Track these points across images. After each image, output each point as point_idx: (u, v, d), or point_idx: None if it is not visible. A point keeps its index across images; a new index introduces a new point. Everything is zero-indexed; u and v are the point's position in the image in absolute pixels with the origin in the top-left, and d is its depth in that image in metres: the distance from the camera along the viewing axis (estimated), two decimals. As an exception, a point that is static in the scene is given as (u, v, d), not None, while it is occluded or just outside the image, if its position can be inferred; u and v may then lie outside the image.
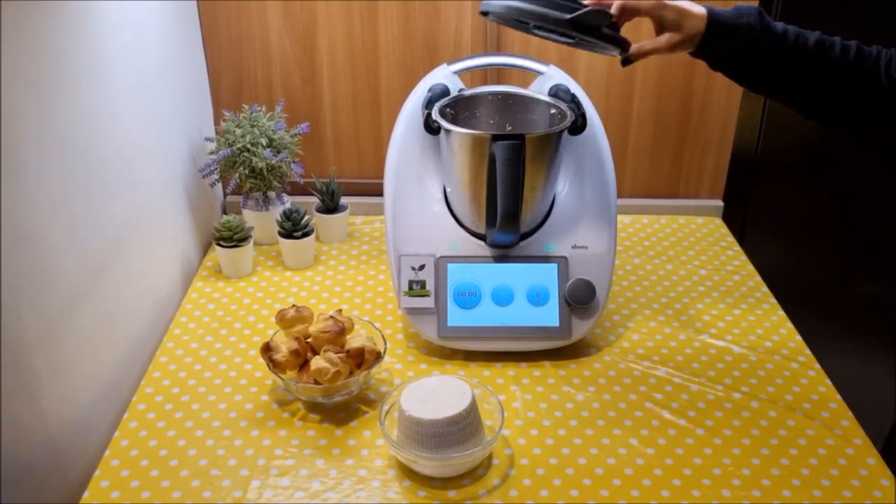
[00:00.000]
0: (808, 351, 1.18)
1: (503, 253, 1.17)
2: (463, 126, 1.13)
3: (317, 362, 1.01)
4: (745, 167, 1.63)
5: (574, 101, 1.17)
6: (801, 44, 0.96)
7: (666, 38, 0.99)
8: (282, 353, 1.04)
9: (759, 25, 0.96)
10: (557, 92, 1.19)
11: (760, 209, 1.68)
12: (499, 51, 1.46)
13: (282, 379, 1.03)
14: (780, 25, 0.97)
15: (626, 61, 1.02)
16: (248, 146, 1.34)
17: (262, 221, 1.43)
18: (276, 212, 1.41)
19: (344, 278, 1.36)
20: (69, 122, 0.95)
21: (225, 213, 1.58)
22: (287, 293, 1.32)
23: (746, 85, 1.03)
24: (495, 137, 1.07)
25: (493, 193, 1.09)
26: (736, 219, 1.61)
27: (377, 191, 1.52)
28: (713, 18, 0.97)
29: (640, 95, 1.50)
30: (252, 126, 1.36)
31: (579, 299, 1.14)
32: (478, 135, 1.09)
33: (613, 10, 0.97)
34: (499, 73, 1.46)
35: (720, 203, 1.59)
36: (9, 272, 0.83)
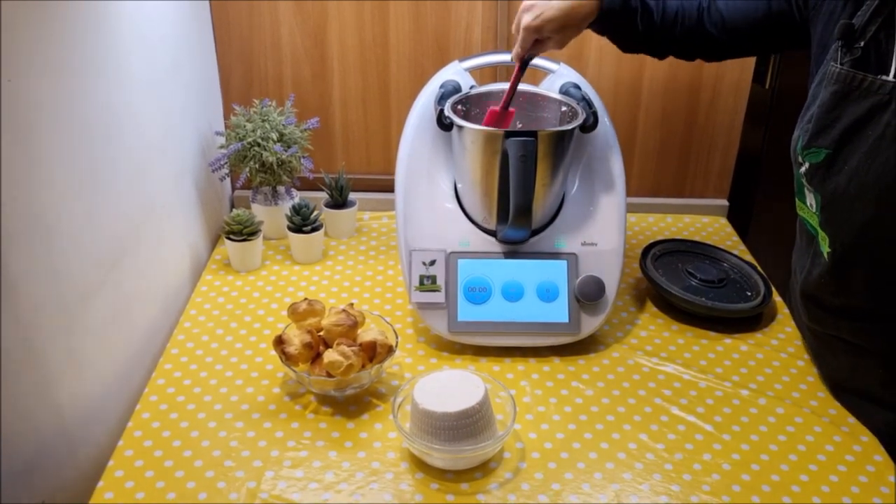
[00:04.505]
0: (814, 349, 1.19)
1: (513, 249, 1.18)
2: (474, 123, 1.14)
3: (330, 355, 1.02)
4: (751, 167, 1.64)
5: (585, 100, 1.18)
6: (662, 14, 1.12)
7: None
8: (294, 346, 1.05)
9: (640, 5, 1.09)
10: (568, 90, 1.20)
11: (765, 209, 1.69)
12: (510, 49, 1.46)
13: (294, 371, 1.04)
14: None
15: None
16: (259, 140, 1.34)
17: (270, 216, 1.43)
18: (285, 206, 1.42)
19: (353, 273, 1.37)
20: (85, 116, 0.96)
21: (233, 207, 1.59)
22: (296, 287, 1.33)
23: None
24: (508, 134, 1.07)
25: (504, 189, 1.10)
26: (741, 218, 1.62)
27: (385, 187, 1.53)
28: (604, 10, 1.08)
29: (648, 95, 1.51)
30: (263, 121, 1.37)
31: (589, 296, 1.15)
32: (491, 131, 1.10)
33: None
34: (509, 71, 1.47)
35: (725, 203, 1.60)
36: (26, 264, 0.83)
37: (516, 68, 1.14)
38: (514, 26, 1.12)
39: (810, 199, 0.99)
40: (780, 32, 1.08)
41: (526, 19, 1.08)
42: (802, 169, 0.98)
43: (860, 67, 0.90)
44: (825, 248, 0.98)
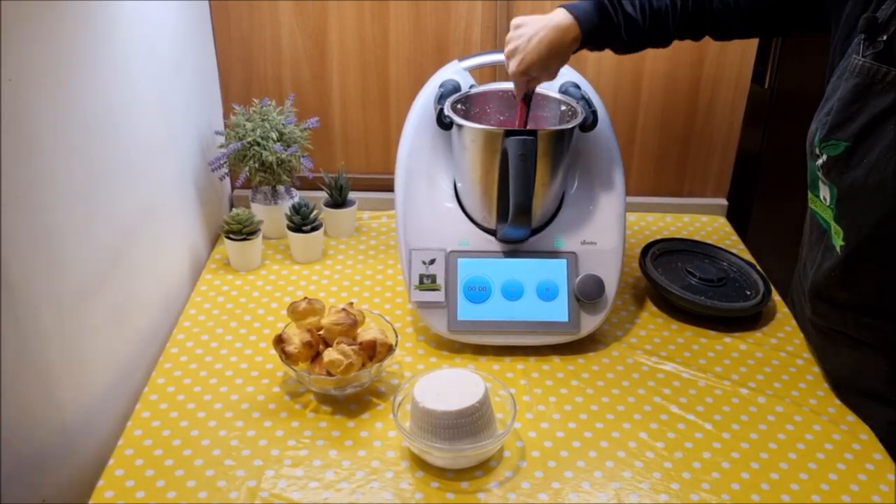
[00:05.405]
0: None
1: (513, 248, 1.18)
2: (474, 122, 1.14)
3: (330, 354, 1.02)
4: (750, 167, 1.65)
5: (584, 99, 1.18)
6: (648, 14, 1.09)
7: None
8: (294, 345, 1.05)
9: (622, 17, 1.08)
10: (568, 89, 1.21)
11: (764, 208, 1.70)
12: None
13: (294, 370, 1.04)
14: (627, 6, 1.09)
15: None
16: (259, 140, 1.35)
17: (270, 215, 1.43)
18: (285, 206, 1.42)
19: (352, 272, 1.37)
20: (85, 116, 0.96)
21: (233, 206, 1.59)
22: (296, 286, 1.33)
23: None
24: (508, 133, 1.08)
25: (504, 188, 1.10)
26: (740, 218, 1.63)
27: (385, 186, 1.53)
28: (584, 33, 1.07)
29: (647, 95, 1.51)
30: (262, 120, 1.37)
31: (588, 295, 1.15)
32: (491, 130, 1.10)
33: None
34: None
35: (724, 202, 1.61)
36: (27, 262, 0.83)
37: (520, 106, 1.15)
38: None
39: (824, 192, 0.99)
40: (796, 11, 1.06)
41: (511, 67, 1.09)
42: (819, 161, 0.97)
43: (883, 61, 0.89)
44: (838, 242, 0.98)
